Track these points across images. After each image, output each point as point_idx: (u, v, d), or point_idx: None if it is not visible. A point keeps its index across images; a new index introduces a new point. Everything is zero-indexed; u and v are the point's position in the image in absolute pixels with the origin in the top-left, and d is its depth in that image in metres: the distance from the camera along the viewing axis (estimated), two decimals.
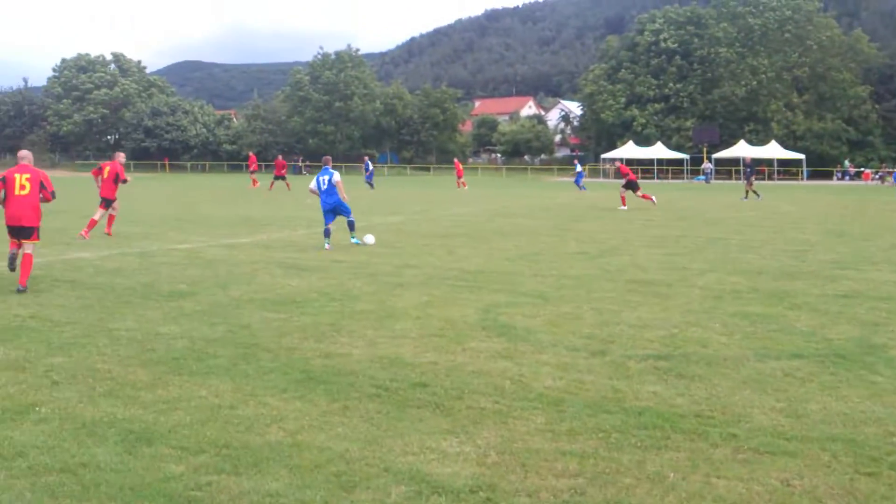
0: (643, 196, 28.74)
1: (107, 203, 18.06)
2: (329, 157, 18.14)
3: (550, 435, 5.35)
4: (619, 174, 30.81)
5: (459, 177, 51.82)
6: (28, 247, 10.93)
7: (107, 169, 18.31)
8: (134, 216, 23.96)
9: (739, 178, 71.39)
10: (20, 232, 10.97)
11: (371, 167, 49.50)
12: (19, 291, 10.45)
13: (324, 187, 16.48)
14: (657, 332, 8.40)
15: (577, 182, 48.97)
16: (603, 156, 79.75)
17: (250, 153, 53.94)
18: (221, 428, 5.42)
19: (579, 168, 51.94)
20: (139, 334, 8.13)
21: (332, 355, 7.35)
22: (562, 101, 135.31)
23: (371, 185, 45.47)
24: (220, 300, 10.07)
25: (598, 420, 5.62)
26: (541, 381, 6.52)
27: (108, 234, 18.09)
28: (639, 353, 7.49)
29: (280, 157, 51.01)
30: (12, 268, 11.10)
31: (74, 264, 13.35)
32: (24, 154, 11.72)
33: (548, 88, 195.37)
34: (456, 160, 59.85)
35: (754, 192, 37.14)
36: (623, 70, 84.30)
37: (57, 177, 60.99)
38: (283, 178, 44.02)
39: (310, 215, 24.59)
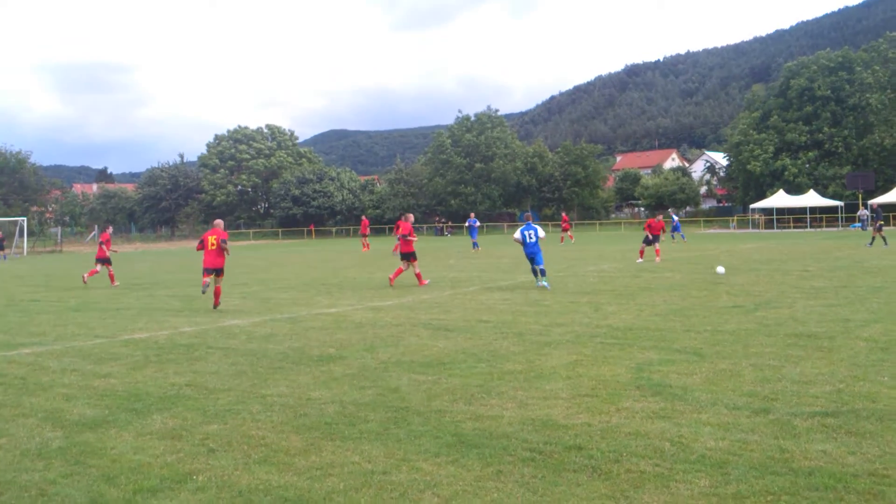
0: (656, 251, 30.10)
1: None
2: (530, 214, 21.05)
3: (716, 499, 5.09)
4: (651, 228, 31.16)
5: (566, 230, 53.74)
6: (219, 281, 17.54)
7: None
8: (283, 282, 24.78)
9: (894, 224, 67.98)
10: (214, 271, 17.46)
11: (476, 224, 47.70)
12: (215, 308, 17.14)
13: (531, 240, 19.85)
14: (822, 387, 7.94)
15: (676, 230, 49.18)
16: (752, 206, 77.34)
17: (363, 217, 56.98)
18: (375, 494, 5.39)
19: (676, 219, 52.01)
20: (291, 399, 8.27)
21: (483, 418, 7.24)
22: (706, 153, 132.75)
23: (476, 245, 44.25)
24: (369, 363, 10.16)
25: (765, 482, 5.32)
26: (702, 442, 6.23)
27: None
28: (804, 410, 7.08)
29: (364, 217, 56.24)
30: (204, 291, 17.83)
31: (228, 331, 13.81)
32: (217, 222, 18.59)
33: (691, 140, 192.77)
34: (564, 213, 61.08)
35: (882, 237, 35.83)
36: (773, 117, 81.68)
37: None
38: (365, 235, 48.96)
39: (453, 276, 24.78)
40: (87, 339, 13.39)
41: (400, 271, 21.95)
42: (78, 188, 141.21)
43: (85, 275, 25.92)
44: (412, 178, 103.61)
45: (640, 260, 29.62)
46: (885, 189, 72.50)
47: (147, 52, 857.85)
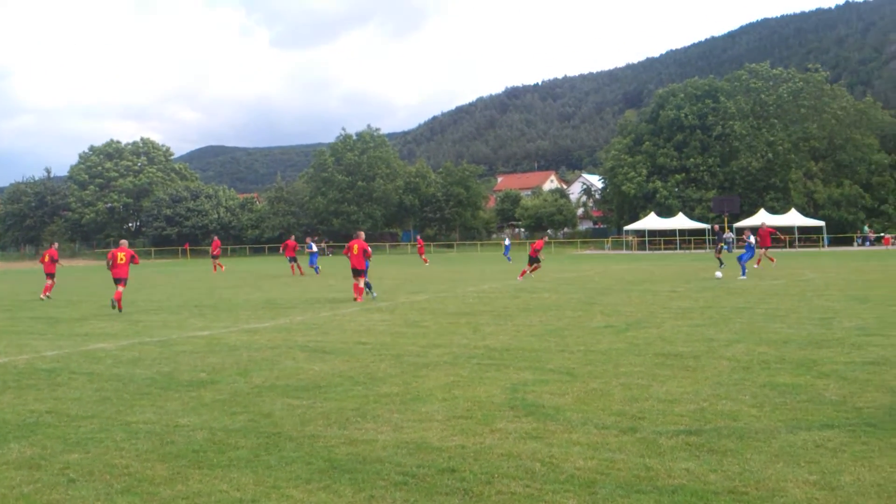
0: (532, 270, 32.44)
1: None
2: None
3: None
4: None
5: (421, 253, 57.20)
6: (120, 288, 21.18)
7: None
8: (153, 303, 24.06)
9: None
10: (123, 280, 21.52)
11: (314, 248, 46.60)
12: (120, 312, 20.66)
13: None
14: (687, 406, 8.22)
15: (505, 254, 54.38)
16: (626, 228, 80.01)
17: (214, 237, 52.75)
18: None
19: (507, 241, 57.99)
20: (158, 427, 8.00)
21: (357, 442, 7.19)
22: (583, 175, 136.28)
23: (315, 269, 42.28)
24: (242, 388, 9.94)
25: (630, 500, 5.47)
26: (571, 462, 6.35)
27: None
28: (670, 428, 7.31)
29: (216, 238, 51.93)
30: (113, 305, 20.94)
31: (93, 355, 13.26)
32: (123, 242, 22.98)
33: (569, 162, 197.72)
34: (419, 237, 66.08)
35: (719, 259, 37.03)
36: (646, 143, 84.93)
37: (78, 266, 61.31)
38: (216, 257, 46.72)
39: (332, 296, 24.59)
40: None
41: (358, 288, 22.91)
42: None
43: None
44: (293, 196, 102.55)
45: (521, 279, 30.77)
46: (750, 213, 75.95)
47: (20, 57, 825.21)
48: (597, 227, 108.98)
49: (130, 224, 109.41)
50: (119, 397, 9.58)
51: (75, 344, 14.78)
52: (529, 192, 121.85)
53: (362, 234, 24.19)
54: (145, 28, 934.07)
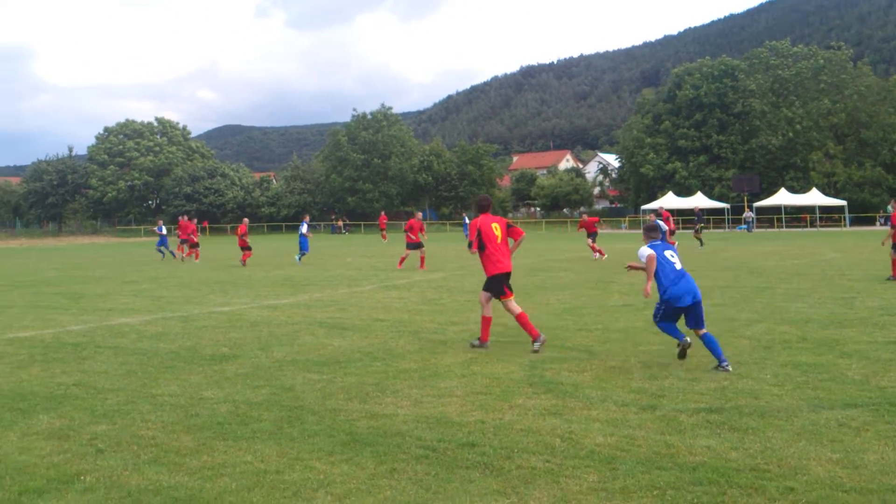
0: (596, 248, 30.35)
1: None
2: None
3: (604, 494, 5.22)
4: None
5: (382, 228, 59.60)
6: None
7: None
8: (175, 279, 24.22)
9: (782, 227, 70.84)
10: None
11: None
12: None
13: (678, 266, 9.47)
14: (708, 384, 8.22)
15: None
16: (643, 207, 79.30)
17: (180, 218, 42.49)
18: (268, 494, 5.34)
19: (467, 220, 59.05)
20: (182, 399, 8.12)
21: (378, 416, 7.26)
22: (599, 154, 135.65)
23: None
24: (263, 362, 10.05)
25: (651, 477, 5.48)
26: (591, 438, 6.38)
27: None
28: (690, 406, 7.32)
29: (183, 218, 41.68)
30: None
31: (117, 330, 13.42)
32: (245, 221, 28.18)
33: (585, 142, 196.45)
34: (382, 213, 66.83)
35: (699, 239, 38.32)
36: (665, 122, 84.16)
37: (100, 243, 61.52)
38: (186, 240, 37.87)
39: (350, 274, 24.67)
40: None
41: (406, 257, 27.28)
42: None
43: None
44: (309, 175, 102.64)
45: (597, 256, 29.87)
46: (770, 192, 75.36)
47: (42, 39, 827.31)
48: (613, 206, 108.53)
49: (150, 202, 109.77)
50: (144, 371, 9.71)
51: (100, 319, 14.95)
52: (545, 172, 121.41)
53: (419, 215, 30.43)
54: (163, 9, 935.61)
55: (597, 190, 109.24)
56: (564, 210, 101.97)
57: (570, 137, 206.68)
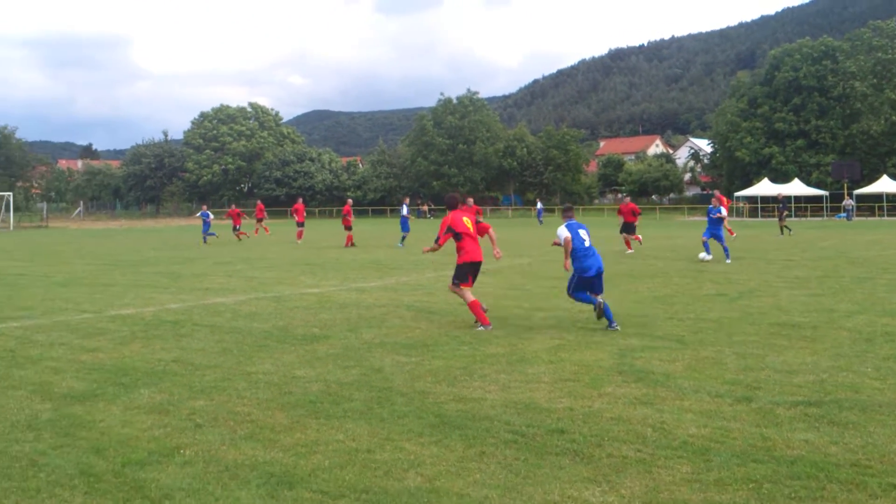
0: (636, 237, 27.42)
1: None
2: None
3: (698, 485, 5.12)
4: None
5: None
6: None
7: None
8: (267, 261, 24.74)
9: (883, 216, 68.31)
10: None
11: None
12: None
13: (587, 244, 11.77)
14: (806, 377, 8.00)
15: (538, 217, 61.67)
16: (737, 194, 76.98)
17: (258, 202, 48.29)
18: (360, 472, 5.41)
19: (539, 205, 65.91)
20: (276, 377, 8.29)
21: (466, 399, 7.28)
22: (691, 139, 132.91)
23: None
24: (353, 343, 10.19)
25: (747, 470, 5.36)
26: (684, 429, 6.27)
27: None
28: (787, 399, 7.13)
29: (233, 206, 47.71)
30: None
31: (213, 309, 13.81)
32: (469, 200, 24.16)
33: (676, 126, 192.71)
34: (348, 202, 54.95)
35: (786, 227, 37.81)
36: (762, 106, 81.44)
37: (196, 224, 63.03)
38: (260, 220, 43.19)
39: (436, 259, 24.75)
40: (74, 313, 13.38)
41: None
42: (63, 164, 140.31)
43: None
44: (395, 159, 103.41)
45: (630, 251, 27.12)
46: (871, 179, 72.62)
47: (137, 27, 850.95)
48: (704, 192, 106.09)
49: (242, 185, 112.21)
50: (239, 349, 9.97)
51: (197, 298, 15.43)
52: (633, 157, 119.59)
53: (350, 201, 34.57)
54: None
55: (687, 176, 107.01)
56: (653, 196, 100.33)
57: (659, 122, 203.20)
